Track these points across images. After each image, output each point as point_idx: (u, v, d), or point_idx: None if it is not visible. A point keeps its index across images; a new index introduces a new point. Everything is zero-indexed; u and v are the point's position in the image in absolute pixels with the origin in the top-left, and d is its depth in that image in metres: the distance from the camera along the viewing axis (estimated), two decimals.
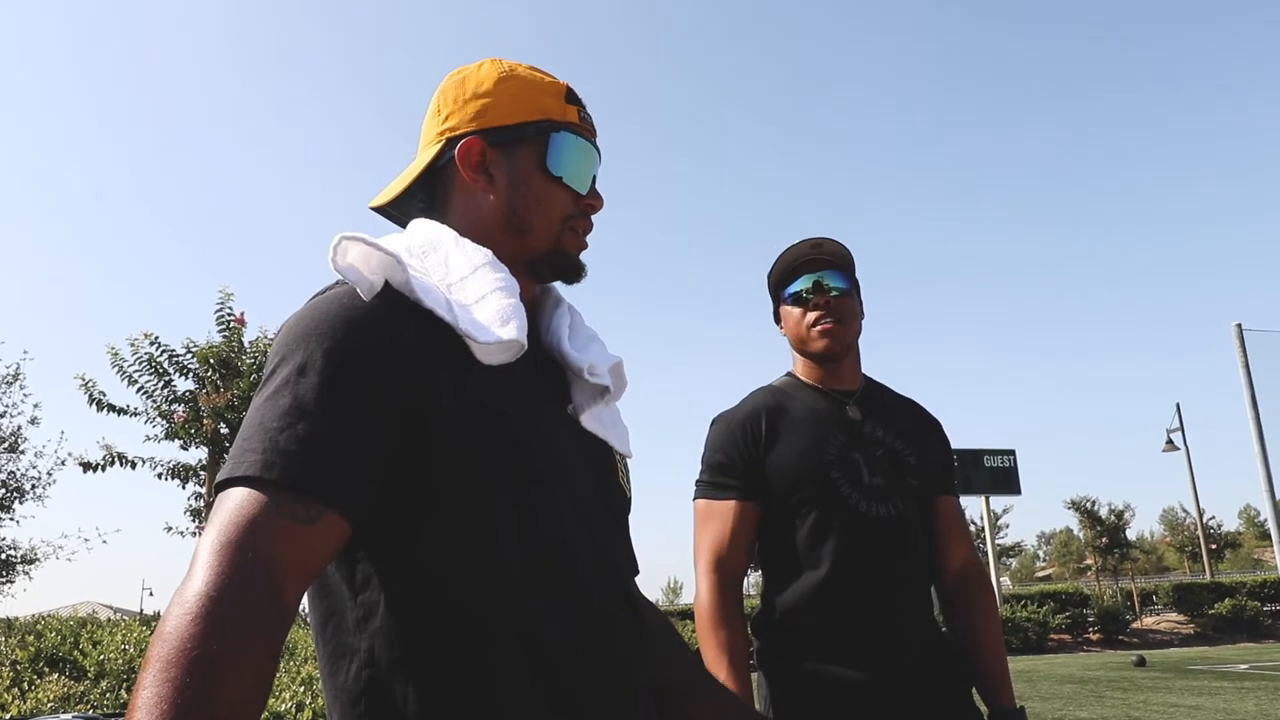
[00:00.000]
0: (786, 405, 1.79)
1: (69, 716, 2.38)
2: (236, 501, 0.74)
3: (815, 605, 1.66)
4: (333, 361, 0.80)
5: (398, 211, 1.09)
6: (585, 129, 1.04)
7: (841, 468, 1.71)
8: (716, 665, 1.64)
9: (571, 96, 1.04)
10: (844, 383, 1.83)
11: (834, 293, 1.78)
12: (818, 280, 1.78)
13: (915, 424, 1.86)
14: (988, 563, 26.07)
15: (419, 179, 1.03)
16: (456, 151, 0.99)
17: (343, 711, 0.83)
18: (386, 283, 0.86)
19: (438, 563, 0.82)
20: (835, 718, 1.61)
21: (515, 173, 1.00)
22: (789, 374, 1.89)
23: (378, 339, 0.82)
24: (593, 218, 1.05)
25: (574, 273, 1.04)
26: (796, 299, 1.81)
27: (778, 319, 1.89)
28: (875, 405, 1.83)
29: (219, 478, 0.77)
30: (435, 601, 0.82)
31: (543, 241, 1.00)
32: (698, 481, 1.81)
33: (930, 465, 1.80)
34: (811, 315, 1.78)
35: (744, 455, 1.75)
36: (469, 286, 0.90)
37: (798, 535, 1.70)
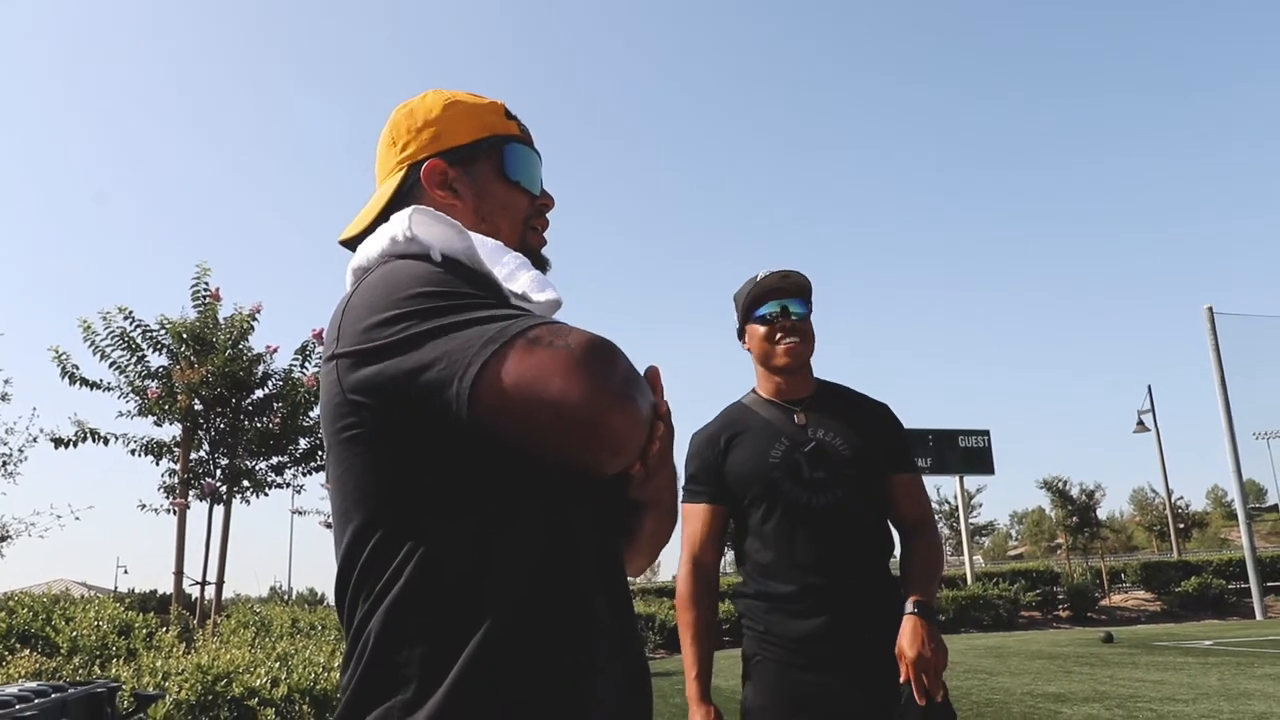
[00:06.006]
0: (746, 419, 2.15)
1: (33, 684, 2.38)
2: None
3: (770, 577, 2.03)
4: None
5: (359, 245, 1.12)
6: (527, 139, 1.16)
7: (783, 468, 2.04)
8: (685, 636, 2.06)
9: (509, 113, 1.15)
10: (796, 392, 2.16)
11: (795, 317, 2.12)
12: (784, 306, 2.12)
13: (860, 417, 2.14)
14: (960, 541, 26.38)
15: (383, 209, 1.10)
16: (422, 173, 1.09)
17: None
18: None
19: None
20: (792, 662, 1.97)
21: (478, 184, 1.10)
22: (753, 390, 2.22)
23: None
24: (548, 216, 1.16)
25: (539, 267, 1.13)
26: (764, 320, 2.13)
27: (742, 335, 2.21)
28: (822, 407, 2.14)
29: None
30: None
31: (510, 242, 1.09)
32: (682, 487, 2.11)
33: (872, 453, 2.08)
34: (777, 335, 2.11)
35: (709, 466, 2.13)
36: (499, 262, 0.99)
37: (752, 526, 2.08)
